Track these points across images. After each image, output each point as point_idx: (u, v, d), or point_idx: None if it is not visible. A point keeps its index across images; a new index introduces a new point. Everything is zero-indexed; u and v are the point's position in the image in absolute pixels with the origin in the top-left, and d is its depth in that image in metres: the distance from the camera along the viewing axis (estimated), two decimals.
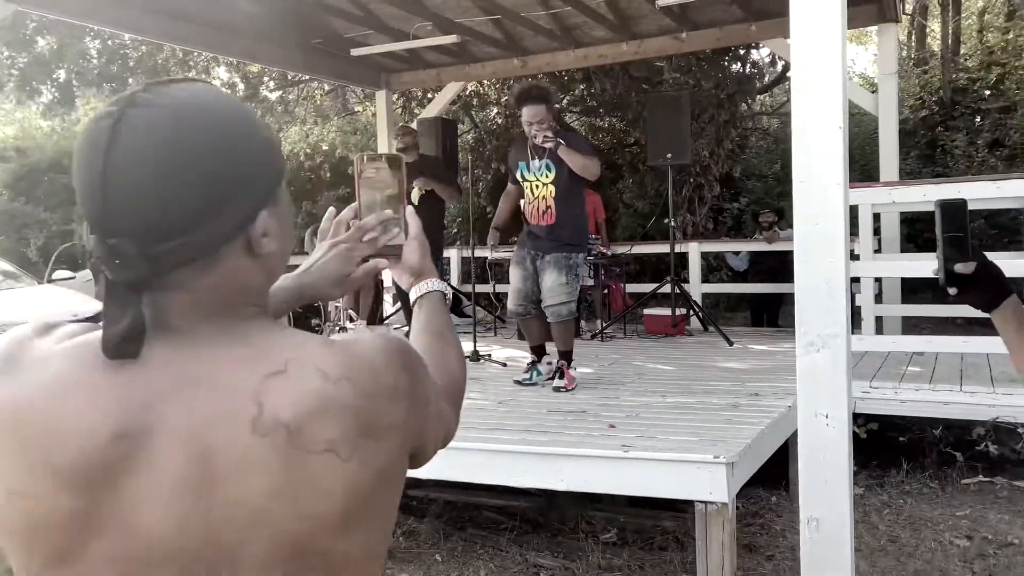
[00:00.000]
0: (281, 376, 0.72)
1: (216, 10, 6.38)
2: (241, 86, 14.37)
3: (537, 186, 4.49)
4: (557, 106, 13.62)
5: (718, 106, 10.04)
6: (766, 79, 12.31)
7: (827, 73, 2.47)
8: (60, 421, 0.70)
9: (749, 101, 11.58)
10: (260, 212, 0.77)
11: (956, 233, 1.16)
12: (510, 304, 4.65)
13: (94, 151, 0.72)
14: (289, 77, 13.90)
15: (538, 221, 4.50)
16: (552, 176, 4.43)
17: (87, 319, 0.75)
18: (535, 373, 4.64)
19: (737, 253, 8.63)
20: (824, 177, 2.51)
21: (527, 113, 4.42)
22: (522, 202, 4.66)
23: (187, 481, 0.70)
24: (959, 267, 1.16)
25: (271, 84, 15.00)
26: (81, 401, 0.70)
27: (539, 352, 4.70)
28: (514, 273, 4.59)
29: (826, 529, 2.53)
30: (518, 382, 4.64)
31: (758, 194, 11.16)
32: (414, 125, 8.06)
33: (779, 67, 12.10)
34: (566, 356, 4.53)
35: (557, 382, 4.46)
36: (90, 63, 16.89)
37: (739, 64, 10.83)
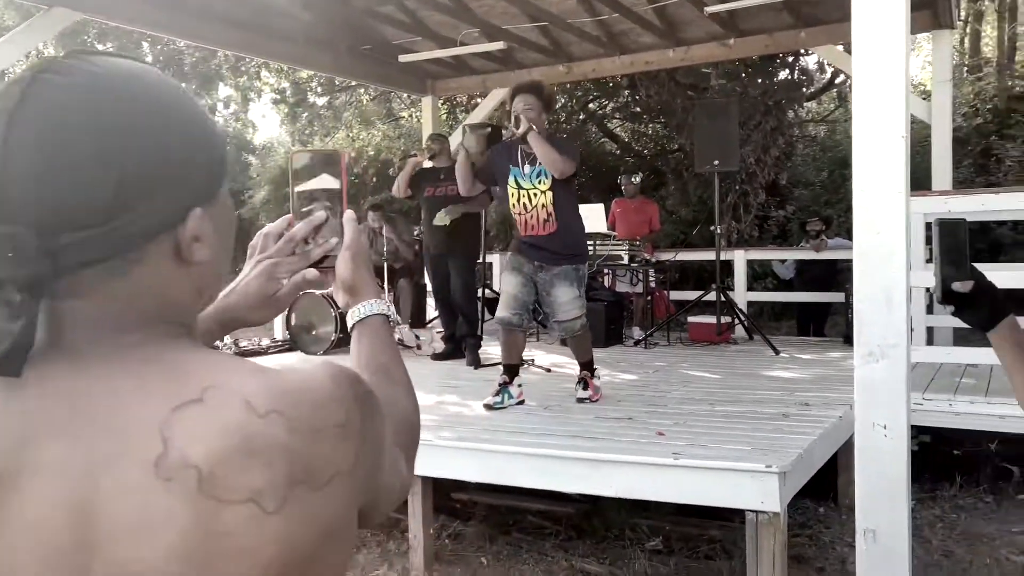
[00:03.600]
0: (195, 406, 0.58)
1: (269, 17, 6.53)
2: (290, 91, 14.65)
3: (535, 194, 4.17)
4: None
5: (765, 113, 9.97)
6: (814, 86, 12.17)
7: (890, 81, 2.45)
8: None
9: (796, 108, 11.46)
10: (193, 210, 0.64)
11: (955, 252, 1.17)
12: (502, 311, 4.22)
13: None
14: (337, 83, 14.10)
15: (538, 231, 4.18)
16: (549, 183, 4.13)
17: None
18: (506, 396, 4.24)
19: (783, 261, 8.54)
20: (885, 186, 2.49)
21: (518, 102, 4.07)
22: (513, 213, 4.31)
23: (66, 539, 0.57)
24: (956, 286, 1.17)
25: (319, 89, 15.24)
26: None
27: (513, 373, 4.32)
28: (510, 279, 4.26)
29: (883, 541, 2.50)
30: (488, 406, 4.19)
31: (805, 202, 11.02)
32: (459, 131, 8.11)
33: (828, 74, 11.96)
34: (587, 366, 4.35)
35: (580, 393, 4.29)
36: None
37: (787, 71, 10.73)
